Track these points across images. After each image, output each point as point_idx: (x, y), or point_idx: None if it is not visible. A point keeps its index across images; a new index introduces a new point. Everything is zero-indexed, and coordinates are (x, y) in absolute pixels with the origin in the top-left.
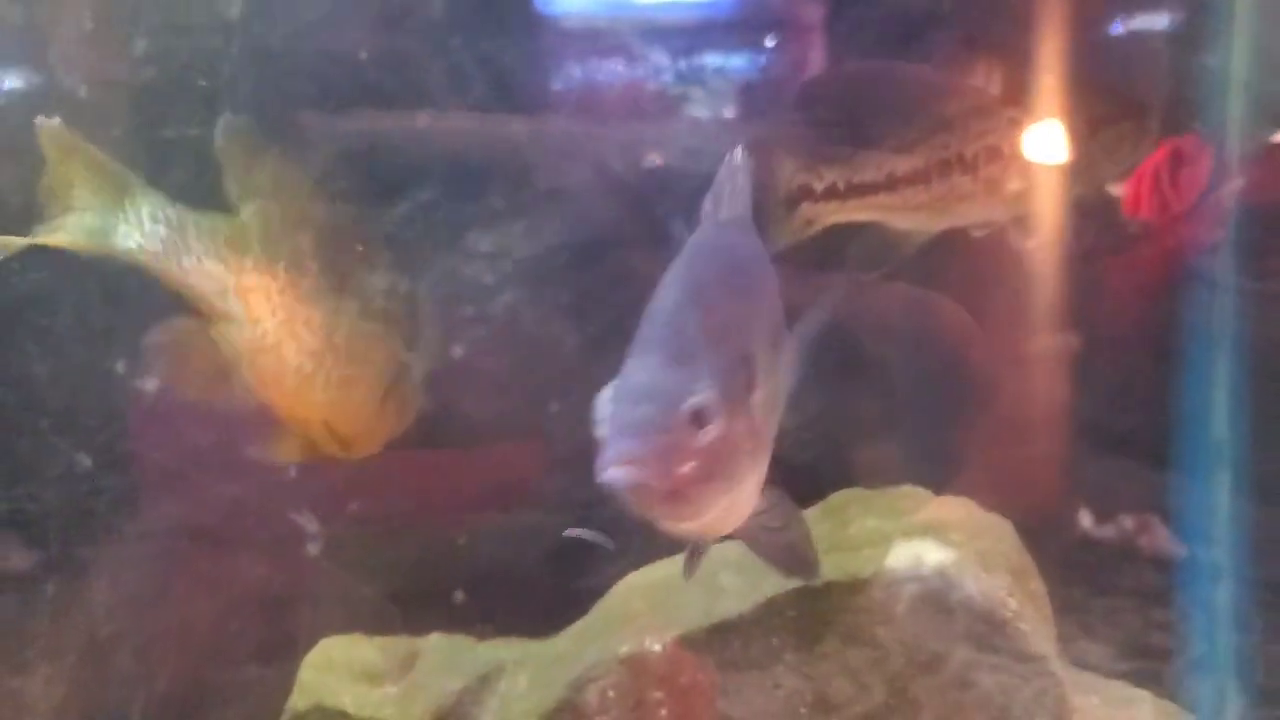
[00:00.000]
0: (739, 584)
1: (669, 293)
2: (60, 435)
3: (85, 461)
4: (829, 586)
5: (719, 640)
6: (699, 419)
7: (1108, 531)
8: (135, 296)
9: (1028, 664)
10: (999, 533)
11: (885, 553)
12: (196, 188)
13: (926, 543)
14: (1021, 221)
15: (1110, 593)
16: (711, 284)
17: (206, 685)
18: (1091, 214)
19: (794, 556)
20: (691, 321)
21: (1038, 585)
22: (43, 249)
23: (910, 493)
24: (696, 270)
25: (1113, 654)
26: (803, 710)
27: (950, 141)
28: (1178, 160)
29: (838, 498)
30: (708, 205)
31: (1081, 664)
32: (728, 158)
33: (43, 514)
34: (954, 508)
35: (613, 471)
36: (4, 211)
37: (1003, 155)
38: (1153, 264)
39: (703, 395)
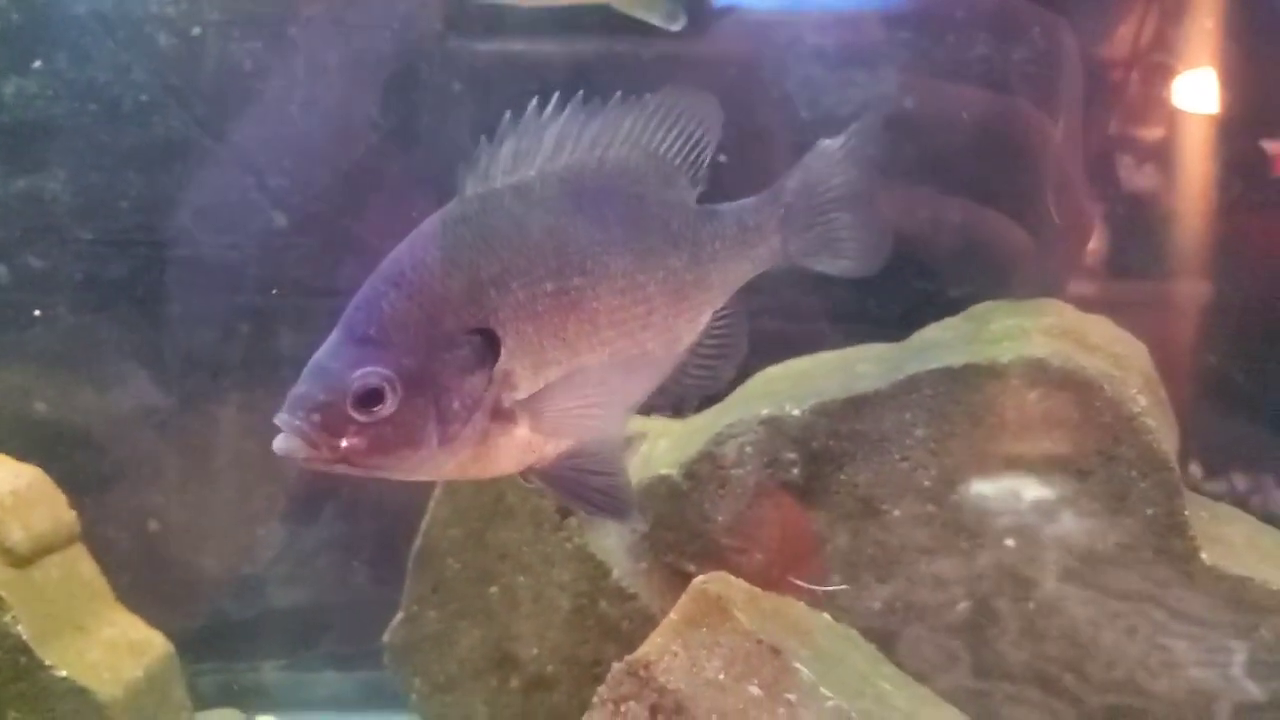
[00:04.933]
0: (877, 370)
1: (384, 267)
2: None
3: None
4: (967, 369)
5: (853, 411)
6: (369, 398)
7: (1218, 486)
8: None
9: (1146, 464)
10: (1135, 348)
11: (1024, 345)
12: None
13: None
14: None
15: None
16: (437, 261)
17: None
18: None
19: (611, 500)
20: (391, 300)
21: (1165, 398)
22: None
23: (1052, 303)
24: (419, 248)
25: None
26: (926, 483)
27: None
28: None
29: (981, 307)
30: (465, 173)
31: None
32: (505, 121)
33: None
34: (1093, 321)
35: (277, 440)
36: None
37: None
38: None
39: (371, 376)
